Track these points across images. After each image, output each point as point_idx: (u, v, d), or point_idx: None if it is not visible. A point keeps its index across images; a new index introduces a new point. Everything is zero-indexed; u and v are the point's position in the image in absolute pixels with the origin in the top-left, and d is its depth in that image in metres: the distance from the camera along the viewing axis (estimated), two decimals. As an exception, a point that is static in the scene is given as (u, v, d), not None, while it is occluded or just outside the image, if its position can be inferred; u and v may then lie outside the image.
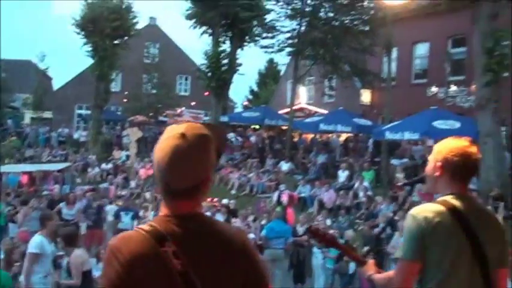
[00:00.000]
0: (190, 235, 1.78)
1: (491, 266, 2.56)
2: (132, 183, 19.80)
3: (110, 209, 14.03)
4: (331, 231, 11.04)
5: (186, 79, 40.52)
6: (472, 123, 14.83)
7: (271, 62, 47.07)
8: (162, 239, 1.76)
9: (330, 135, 23.27)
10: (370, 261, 2.98)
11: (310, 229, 3.24)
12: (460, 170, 2.61)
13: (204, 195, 1.87)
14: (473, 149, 2.64)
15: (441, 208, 2.55)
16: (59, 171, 20.85)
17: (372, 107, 25.31)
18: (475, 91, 15.21)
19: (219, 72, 24.10)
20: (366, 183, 15.56)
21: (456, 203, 2.58)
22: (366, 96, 26.03)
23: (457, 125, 15.09)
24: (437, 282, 2.53)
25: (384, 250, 9.38)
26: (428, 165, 2.74)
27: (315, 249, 11.04)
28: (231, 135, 25.55)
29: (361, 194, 15.21)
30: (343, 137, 23.08)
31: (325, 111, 24.41)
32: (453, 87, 20.36)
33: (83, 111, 36.84)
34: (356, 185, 15.80)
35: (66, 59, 54.29)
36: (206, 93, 27.33)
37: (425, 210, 2.56)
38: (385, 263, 9.35)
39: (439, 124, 14.96)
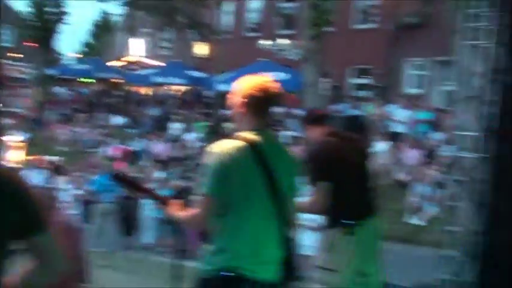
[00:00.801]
0: None
1: (284, 197, 2.67)
2: None
3: None
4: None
5: (9, 29, 37.07)
6: (298, 74, 15.59)
7: (105, 13, 45.04)
8: None
9: (165, 87, 23.01)
10: (176, 201, 2.95)
11: (116, 175, 3.24)
12: (261, 104, 2.69)
13: None
14: (273, 84, 2.73)
15: (240, 143, 2.61)
16: None
17: (207, 59, 25.44)
18: (301, 44, 15.92)
19: (45, 22, 22.37)
20: (198, 135, 15.70)
21: (255, 137, 2.64)
22: (201, 48, 26.03)
23: (284, 76, 15.71)
24: (237, 216, 2.59)
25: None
26: (232, 103, 2.77)
27: (144, 201, 10.91)
28: (59, 89, 24.07)
29: (193, 145, 15.29)
30: (178, 89, 22.95)
31: (161, 64, 23.99)
32: (283, 41, 21.13)
33: None
34: (189, 137, 15.88)
35: None
36: (31, 44, 25.29)
37: (226, 146, 2.60)
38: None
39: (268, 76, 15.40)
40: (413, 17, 17.85)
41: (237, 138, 2.67)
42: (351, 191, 3.55)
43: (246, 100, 2.71)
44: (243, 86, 2.74)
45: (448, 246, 5.42)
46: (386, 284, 3.76)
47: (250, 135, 2.67)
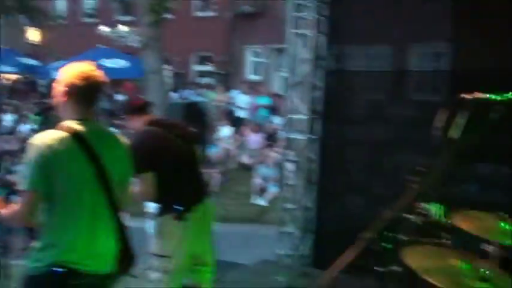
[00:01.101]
0: None
1: (115, 187, 2.65)
2: None
3: None
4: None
5: None
6: (139, 62, 15.32)
7: None
8: None
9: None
10: None
11: None
12: (84, 93, 2.63)
13: None
14: (97, 73, 2.66)
15: (64, 134, 2.53)
16: None
17: (41, 46, 23.97)
18: (141, 31, 15.64)
19: None
20: (33, 126, 14.76)
21: (80, 128, 2.58)
22: (34, 34, 24.43)
23: (125, 63, 15.38)
24: (64, 209, 2.52)
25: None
26: (54, 91, 2.68)
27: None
28: None
29: (28, 138, 14.37)
30: (9, 78, 21.31)
31: (-13, 51, 22.02)
32: (122, 27, 20.57)
33: None
34: (23, 128, 14.90)
35: None
36: None
37: (47, 138, 2.51)
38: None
39: (107, 63, 14.99)
40: (249, 5, 18.44)
41: (60, 128, 2.58)
42: (178, 178, 3.57)
43: (67, 89, 2.63)
44: (66, 74, 2.65)
45: (287, 223, 5.75)
46: (219, 262, 3.89)
47: (74, 125, 2.59)
